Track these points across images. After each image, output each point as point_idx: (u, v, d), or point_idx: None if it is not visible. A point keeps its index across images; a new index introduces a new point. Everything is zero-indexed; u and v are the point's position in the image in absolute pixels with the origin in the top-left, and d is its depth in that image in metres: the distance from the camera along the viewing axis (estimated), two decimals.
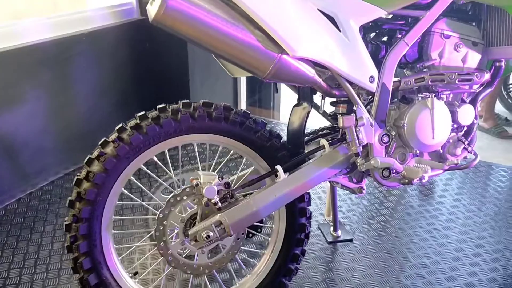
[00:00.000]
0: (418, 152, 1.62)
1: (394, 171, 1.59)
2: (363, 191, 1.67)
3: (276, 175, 1.49)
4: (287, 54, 1.34)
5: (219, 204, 1.44)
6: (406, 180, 1.59)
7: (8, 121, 2.33)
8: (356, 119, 1.50)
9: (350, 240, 2.10)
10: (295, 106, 1.64)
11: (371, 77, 1.50)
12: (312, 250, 2.02)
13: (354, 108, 1.60)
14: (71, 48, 2.58)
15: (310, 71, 1.42)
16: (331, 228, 2.14)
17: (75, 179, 1.40)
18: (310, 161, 1.54)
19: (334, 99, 1.64)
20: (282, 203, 1.50)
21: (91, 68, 2.73)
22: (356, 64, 1.47)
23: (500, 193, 2.42)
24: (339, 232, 2.13)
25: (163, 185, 1.64)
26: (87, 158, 1.40)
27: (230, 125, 1.48)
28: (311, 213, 1.62)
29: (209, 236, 1.42)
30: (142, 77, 3.03)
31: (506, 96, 4.56)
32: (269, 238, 1.64)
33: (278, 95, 3.78)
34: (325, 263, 1.96)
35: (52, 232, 2.17)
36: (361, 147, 1.52)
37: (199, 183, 1.42)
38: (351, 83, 1.49)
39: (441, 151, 1.66)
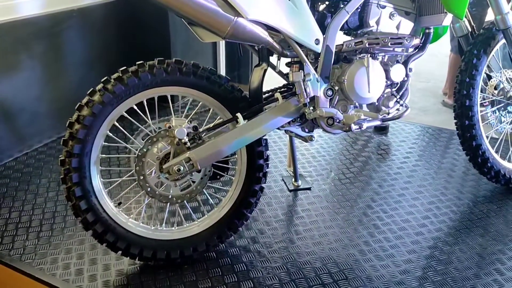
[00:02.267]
0: (357, 104, 1.93)
1: (337, 120, 1.89)
2: (313, 139, 1.97)
3: (237, 122, 1.79)
4: (243, 17, 1.63)
5: (188, 144, 1.74)
6: (347, 127, 1.90)
7: (6, 88, 2.60)
8: (304, 75, 1.81)
9: (309, 189, 2.41)
10: (255, 66, 1.93)
11: (317, 39, 1.80)
12: (275, 197, 2.33)
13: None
14: (62, 22, 2.84)
15: (264, 33, 1.71)
16: (293, 179, 2.45)
17: (67, 122, 1.68)
18: (266, 110, 1.84)
19: (289, 60, 1.94)
20: (241, 144, 1.80)
21: (81, 42, 2.99)
22: (303, 28, 1.77)
23: (458, 155, 2.73)
24: (299, 182, 2.44)
25: (143, 132, 1.93)
26: (77, 104, 1.69)
27: (198, 79, 1.77)
28: (268, 156, 1.92)
29: (179, 170, 1.72)
30: (128, 51, 3.30)
31: None
32: (233, 178, 1.94)
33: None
34: (286, 206, 2.27)
35: (47, 184, 2.46)
36: (308, 98, 1.82)
37: (171, 126, 1.72)
38: (300, 45, 1.79)
39: (377, 103, 1.97)
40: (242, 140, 1.79)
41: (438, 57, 5.51)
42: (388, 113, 1.95)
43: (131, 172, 1.84)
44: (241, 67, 4.08)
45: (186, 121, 1.75)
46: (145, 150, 1.74)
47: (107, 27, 3.16)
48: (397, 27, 1.96)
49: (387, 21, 1.94)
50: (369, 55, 1.88)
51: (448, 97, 4.67)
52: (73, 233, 2.07)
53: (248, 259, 1.91)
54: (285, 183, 2.45)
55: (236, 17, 1.63)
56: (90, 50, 3.07)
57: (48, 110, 2.87)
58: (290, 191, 2.39)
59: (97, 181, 1.74)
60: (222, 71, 3.90)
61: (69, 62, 2.95)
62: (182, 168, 1.72)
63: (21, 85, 2.67)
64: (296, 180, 2.44)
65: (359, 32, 1.95)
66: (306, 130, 1.99)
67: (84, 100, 1.69)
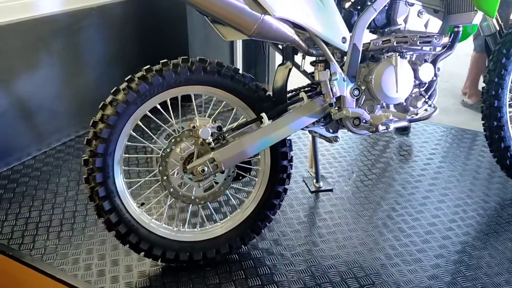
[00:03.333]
0: (384, 104, 1.88)
1: (364, 120, 1.84)
2: (338, 139, 1.93)
3: (261, 122, 1.76)
4: (270, 15, 1.59)
5: (212, 144, 1.71)
6: (374, 128, 1.86)
7: (26, 85, 2.59)
8: (330, 74, 1.76)
9: (331, 190, 2.36)
10: (279, 65, 1.89)
11: (343, 38, 1.76)
12: (296, 198, 2.29)
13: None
14: (81, 20, 2.83)
15: (290, 31, 1.68)
16: (314, 180, 2.41)
17: (91, 121, 1.66)
18: (291, 110, 1.81)
19: (314, 59, 1.90)
20: (266, 145, 1.76)
21: (99, 40, 2.98)
22: (329, 26, 1.73)
23: (483, 156, 2.67)
24: (321, 183, 2.39)
25: (166, 131, 1.90)
26: (101, 104, 1.67)
27: (222, 78, 1.74)
28: (292, 157, 1.88)
29: (204, 170, 1.68)
30: (146, 49, 3.28)
31: None
32: (256, 179, 1.90)
33: (272, 71, 4.03)
34: (308, 208, 2.23)
35: (67, 183, 2.44)
36: (334, 98, 1.78)
37: (195, 125, 1.69)
38: (327, 43, 1.75)
39: (405, 103, 1.92)
40: (266, 140, 1.75)
41: (458, 56, 5.41)
42: (416, 114, 1.90)
43: (153, 173, 1.81)
44: (258, 64, 4.04)
45: (210, 121, 1.71)
46: (168, 150, 1.71)
47: (125, 25, 3.14)
48: (425, 26, 1.91)
49: (415, 19, 1.89)
50: (397, 53, 1.84)
51: (468, 97, 4.59)
52: (94, 233, 2.05)
53: (271, 262, 1.87)
54: (306, 184, 2.41)
55: (262, 15, 1.59)
56: (108, 48, 3.05)
57: (67, 108, 2.86)
58: (312, 192, 2.35)
59: (120, 181, 1.72)
60: (239, 60, 3.86)
61: (87, 60, 2.94)
62: (206, 168, 1.69)
63: (40, 82, 2.66)
64: (317, 181, 2.39)
65: (386, 30, 1.91)
66: (331, 131, 1.95)
67: (108, 99, 1.66)
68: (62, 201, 2.29)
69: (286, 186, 1.89)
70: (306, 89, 1.98)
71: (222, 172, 1.76)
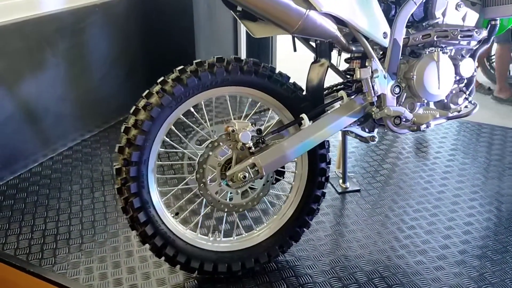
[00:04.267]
0: (425, 101, 1.81)
1: (404, 119, 1.77)
2: (375, 139, 1.86)
3: (301, 123, 1.66)
4: (314, 10, 1.50)
5: (253, 148, 1.60)
6: (415, 126, 1.78)
7: (32, 88, 2.45)
8: (372, 71, 1.68)
9: (358, 191, 2.29)
10: (312, 63, 1.80)
11: (384, 33, 1.68)
12: (325, 200, 2.20)
13: (366, 64, 1.79)
14: (85, 18, 2.68)
15: (333, 27, 1.58)
16: (340, 180, 2.33)
17: (123, 127, 1.54)
18: (330, 110, 1.72)
19: (349, 56, 1.82)
20: (306, 148, 1.67)
21: (103, 38, 2.84)
22: (371, 21, 1.64)
23: (503, 151, 2.64)
24: (348, 184, 2.31)
25: (196, 136, 1.79)
26: (133, 108, 1.55)
27: (259, 78, 1.63)
28: (330, 159, 1.79)
29: (245, 177, 1.58)
30: (151, 47, 3.15)
31: (488, 67, 4.75)
32: (293, 183, 1.81)
33: (274, 61, 3.94)
34: (338, 210, 2.15)
35: (80, 190, 2.31)
36: (376, 96, 1.70)
37: (234, 129, 1.58)
38: (366, 38, 1.66)
39: (445, 100, 1.85)
40: (308, 143, 1.66)
41: None
42: (459, 111, 1.83)
43: (186, 180, 1.71)
44: (261, 58, 3.93)
45: (250, 124, 1.61)
46: (205, 155, 1.60)
47: (129, 22, 3.00)
48: (463, 19, 1.84)
49: (453, 12, 1.82)
50: (439, 49, 1.76)
51: (499, 91, 4.39)
52: (117, 244, 1.93)
53: (311, 270, 1.78)
54: (332, 185, 2.33)
55: (308, 10, 1.49)
56: (112, 46, 2.91)
57: (72, 110, 2.72)
58: (339, 193, 2.27)
59: (155, 191, 1.60)
60: None
61: (92, 60, 2.79)
62: (247, 174, 1.59)
63: (45, 84, 2.52)
64: (344, 182, 2.31)
65: (423, 24, 1.83)
66: (367, 130, 1.88)
67: (141, 103, 1.54)
68: (78, 210, 2.16)
69: (324, 190, 1.80)
70: (339, 87, 1.90)
71: (261, 177, 1.67)
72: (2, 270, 1.83)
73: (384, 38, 1.68)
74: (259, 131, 1.62)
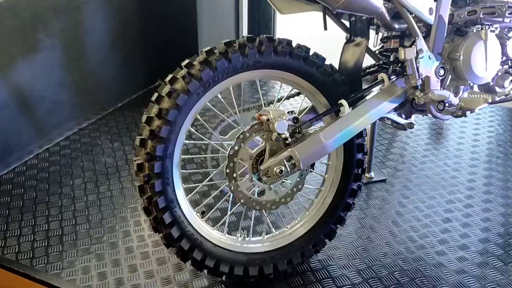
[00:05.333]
0: (470, 84, 1.66)
1: (449, 103, 1.62)
2: (414, 126, 1.71)
3: (339, 110, 1.50)
4: None
5: (289, 139, 1.43)
6: (460, 112, 1.63)
7: (26, 73, 2.22)
8: (417, 51, 1.52)
9: (384, 181, 2.14)
10: (346, 43, 1.63)
11: (430, 8, 1.52)
12: None
13: (406, 43, 1.63)
14: None
15: (379, 1, 1.41)
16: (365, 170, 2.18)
17: (144, 116, 1.35)
18: (371, 95, 1.55)
19: (385, 35, 1.65)
20: (346, 137, 1.51)
21: (100, 18, 2.61)
22: None
23: None
24: (372, 174, 2.17)
25: (222, 124, 1.61)
26: (155, 95, 1.36)
27: (295, 59, 1.46)
28: (367, 149, 1.63)
29: (281, 171, 1.42)
30: (151, 27, 2.93)
31: None
32: (326, 175, 1.65)
33: None
34: (364, 201, 2.00)
35: (83, 185, 2.11)
36: (420, 79, 1.54)
37: (269, 118, 1.41)
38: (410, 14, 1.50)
39: (491, 83, 1.70)
40: (348, 132, 1.49)
41: None
42: (507, 95, 1.68)
43: (211, 175, 1.53)
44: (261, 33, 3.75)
45: (286, 112, 1.44)
46: (236, 148, 1.42)
47: (127, 2, 2.77)
48: None
49: None
50: (486, 27, 1.60)
51: None
52: (131, 244, 1.75)
53: (347, 270, 1.64)
54: None
55: None
56: (110, 27, 2.69)
57: (69, 97, 2.51)
58: (364, 184, 2.12)
59: (180, 188, 1.43)
60: None
61: (89, 41, 2.57)
62: (283, 168, 1.42)
63: (40, 68, 2.30)
64: (368, 172, 2.16)
65: (466, 0, 1.67)
66: (403, 116, 1.72)
67: (165, 90, 1.35)
68: (84, 207, 1.97)
69: (361, 183, 1.64)
70: (372, 69, 1.74)
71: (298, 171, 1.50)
72: (3, 278, 1.64)
73: (430, 14, 1.52)
74: (295, 120, 1.44)
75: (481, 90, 1.72)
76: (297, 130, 1.46)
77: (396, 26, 1.53)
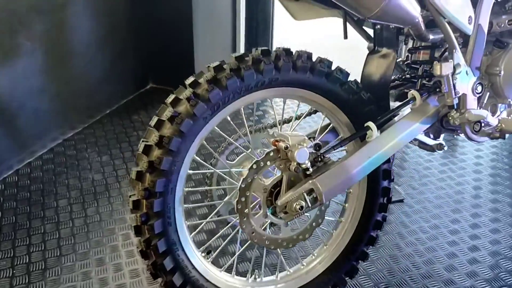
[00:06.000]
0: (510, 102, 1.47)
1: (486, 124, 1.43)
2: (444, 147, 1.52)
3: (365, 135, 1.30)
4: None
5: (310, 169, 1.23)
6: (498, 134, 1.45)
7: (3, 79, 1.99)
8: (454, 66, 1.32)
9: (401, 201, 1.96)
10: (370, 54, 1.43)
11: (470, 17, 1.32)
12: None
13: (436, 55, 1.44)
14: None
15: (416, 9, 1.21)
16: None
17: (142, 145, 1.14)
18: (401, 116, 1.36)
19: (413, 46, 1.46)
20: (375, 165, 1.31)
21: (86, 17, 2.38)
22: (457, 2, 1.28)
23: None
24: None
25: (228, 150, 1.41)
26: (154, 120, 1.15)
27: (316, 76, 1.25)
28: (394, 176, 1.44)
29: (302, 207, 1.22)
30: (143, 28, 2.70)
31: None
32: (346, 205, 1.45)
33: None
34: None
35: (68, 207, 1.90)
36: (457, 98, 1.35)
37: (288, 146, 1.20)
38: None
39: None
40: (376, 159, 1.30)
41: None
42: None
43: (217, 209, 1.33)
44: (260, 45, 3.53)
45: (306, 138, 1.23)
46: (249, 180, 1.22)
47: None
48: None
49: None
50: None
51: None
52: (123, 281, 1.54)
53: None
54: None
55: None
56: (97, 26, 2.46)
57: (51, 105, 2.28)
58: None
59: (183, 227, 1.22)
60: (241, 44, 3.34)
61: (74, 43, 2.34)
62: (304, 204, 1.22)
63: (20, 74, 2.07)
64: None
65: (507, 5, 1.47)
66: (431, 137, 1.54)
67: (166, 113, 1.14)
68: (69, 234, 1.75)
69: (386, 214, 1.45)
70: (396, 82, 1.54)
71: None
72: None
73: (469, 23, 1.33)
74: (317, 147, 1.24)
75: None
76: (319, 159, 1.26)
77: (431, 36, 1.34)
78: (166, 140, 1.12)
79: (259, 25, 3.46)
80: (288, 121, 1.48)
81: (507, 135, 1.45)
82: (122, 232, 1.76)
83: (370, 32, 1.49)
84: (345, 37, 1.59)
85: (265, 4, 3.43)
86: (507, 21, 1.41)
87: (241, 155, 1.40)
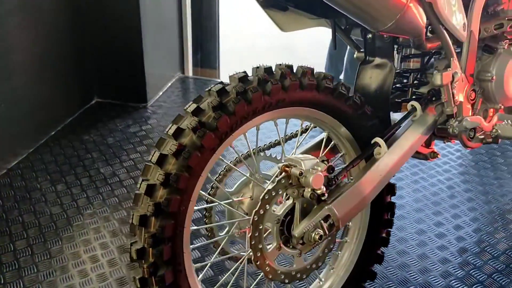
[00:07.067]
0: (502, 107, 1.47)
1: (481, 130, 1.42)
2: (437, 155, 1.49)
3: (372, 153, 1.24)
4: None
5: (326, 194, 1.14)
6: (491, 139, 1.45)
7: None
8: (452, 75, 1.29)
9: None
10: (363, 64, 1.37)
11: (464, 24, 1.30)
12: None
13: (433, 64, 1.42)
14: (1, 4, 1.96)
15: (424, 20, 1.16)
16: None
17: (143, 185, 0.99)
18: (402, 128, 1.31)
19: (406, 54, 1.42)
20: (385, 182, 1.25)
21: (25, 31, 2.13)
22: (453, 10, 1.25)
23: None
24: None
25: (226, 178, 1.28)
26: (156, 155, 1.00)
27: (323, 93, 1.17)
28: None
29: (321, 237, 1.13)
30: (85, 41, 2.48)
31: None
32: (349, 224, 1.38)
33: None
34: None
35: (28, 249, 1.67)
36: (455, 106, 1.32)
37: (302, 171, 1.11)
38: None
39: None
40: (387, 176, 1.24)
41: None
42: None
43: (221, 246, 1.21)
44: (206, 47, 3.40)
45: (319, 161, 1.14)
46: (261, 211, 1.11)
47: (59, 6, 2.32)
48: None
49: None
50: None
51: None
52: None
53: None
54: None
55: (408, 2, 1.06)
56: (38, 42, 2.21)
57: None
58: None
59: (192, 272, 1.08)
60: (189, 53, 3.20)
61: (10, 61, 2.08)
62: (322, 232, 1.13)
63: None
64: None
65: (488, 11, 1.47)
66: (423, 145, 1.51)
67: (169, 147, 1.00)
68: (35, 281, 1.53)
69: (391, 229, 1.40)
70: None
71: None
72: None
73: (464, 31, 1.30)
74: (331, 170, 1.16)
75: (507, 113, 1.54)
76: (333, 182, 1.17)
77: (429, 45, 1.30)
78: (173, 178, 0.98)
79: (206, 30, 3.34)
80: (275, 144, 1.39)
81: (500, 141, 1.45)
82: (96, 272, 1.57)
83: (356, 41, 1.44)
84: (335, 48, 1.53)
85: (211, 9, 3.32)
86: (493, 26, 1.41)
87: (239, 181, 1.29)
